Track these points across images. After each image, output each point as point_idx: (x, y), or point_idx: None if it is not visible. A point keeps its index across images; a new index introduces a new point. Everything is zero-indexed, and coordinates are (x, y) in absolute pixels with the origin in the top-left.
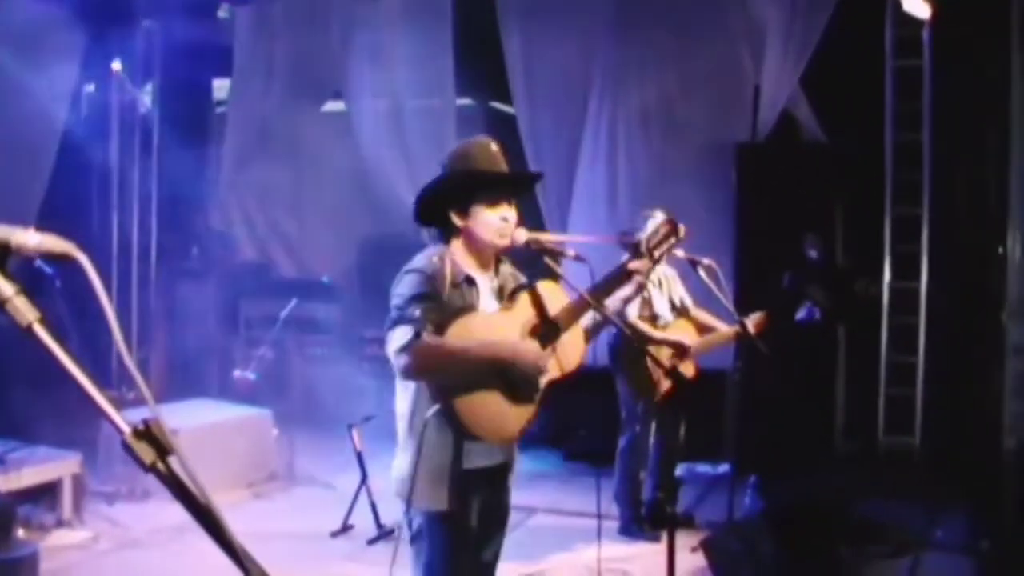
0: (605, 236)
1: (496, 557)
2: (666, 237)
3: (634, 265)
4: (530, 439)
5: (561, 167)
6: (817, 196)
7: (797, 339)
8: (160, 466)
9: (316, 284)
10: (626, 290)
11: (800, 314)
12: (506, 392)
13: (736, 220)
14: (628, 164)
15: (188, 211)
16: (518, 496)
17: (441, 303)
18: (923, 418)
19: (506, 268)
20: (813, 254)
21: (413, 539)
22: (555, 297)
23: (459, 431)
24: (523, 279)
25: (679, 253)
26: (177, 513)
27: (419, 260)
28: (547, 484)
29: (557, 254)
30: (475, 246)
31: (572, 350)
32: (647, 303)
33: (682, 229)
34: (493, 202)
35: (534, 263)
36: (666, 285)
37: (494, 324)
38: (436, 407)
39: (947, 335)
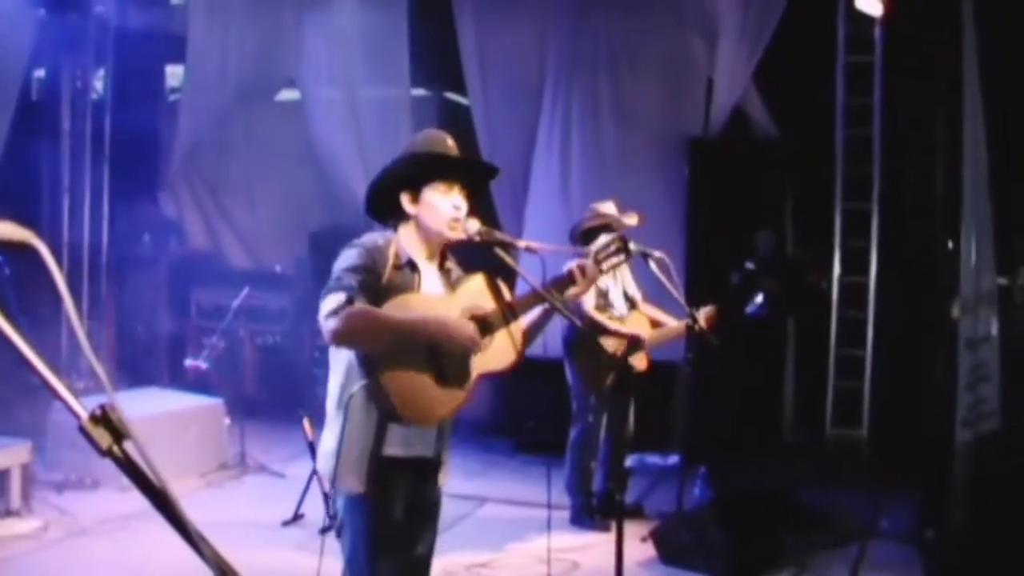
0: (559, 246)
1: (430, 552)
2: (615, 252)
3: (581, 271)
4: (480, 430)
5: (515, 158)
6: (768, 191)
7: (747, 332)
8: (116, 451)
9: (268, 273)
10: (570, 292)
11: (750, 308)
12: (435, 374)
13: (688, 213)
14: (582, 156)
15: (140, 199)
16: (468, 486)
17: (378, 278)
18: (870, 410)
19: (451, 264)
20: (750, 266)
21: (340, 529)
22: (496, 292)
23: (384, 411)
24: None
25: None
26: (127, 501)
27: (363, 238)
28: (498, 474)
29: (508, 246)
30: (423, 234)
31: (509, 345)
32: (603, 294)
33: (633, 248)
34: (445, 188)
35: (484, 257)
36: (620, 278)
37: (434, 304)
38: (363, 382)
39: (895, 329)
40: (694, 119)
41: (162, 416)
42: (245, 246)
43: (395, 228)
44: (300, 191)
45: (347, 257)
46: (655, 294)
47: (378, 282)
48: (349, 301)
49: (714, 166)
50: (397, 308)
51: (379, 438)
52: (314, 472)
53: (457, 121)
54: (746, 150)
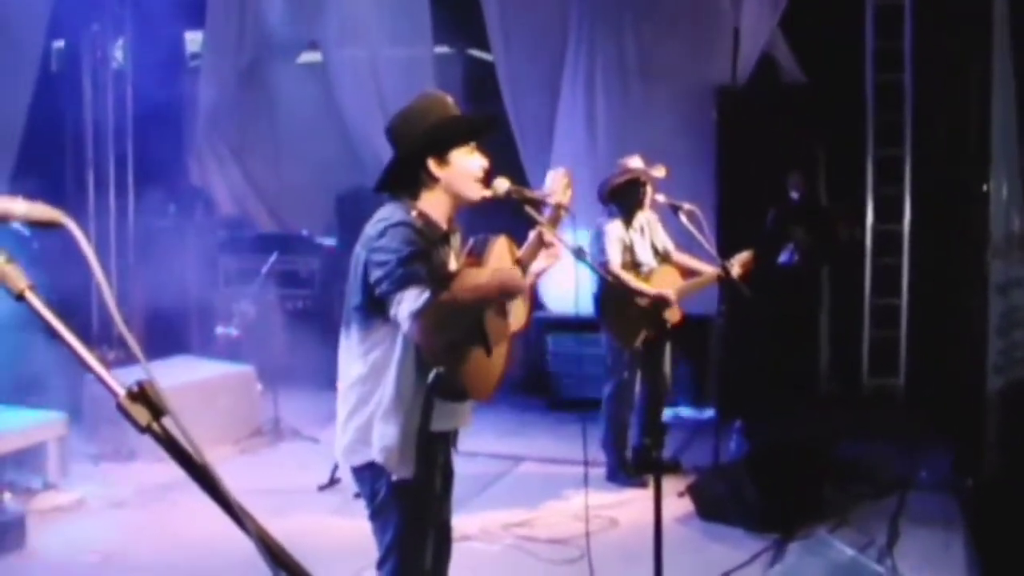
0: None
1: (450, 514)
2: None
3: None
4: (514, 388)
5: (540, 113)
6: (798, 138)
7: (780, 282)
8: (155, 427)
9: (295, 237)
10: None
11: (783, 257)
12: (484, 346)
13: (717, 164)
14: (608, 109)
15: (164, 167)
16: (504, 445)
17: (433, 260)
18: (907, 359)
19: (456, 226)
20: (795, 195)
21: (377, 512)
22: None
23: (453, 396)
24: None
25: (660, 198)
26: (163, 472)
27: (398, 213)
28: (533, 433)
29: (538, 204)
30: (452, 197)
31: (522, 303)
32: (629, 250)
33: (662, 200)
34: (468, 150)
35: (505, 214)
36: (648, 231)
37: (478, 276)
38: (436, 372)
39: (930, 276)
40: (721, 68)
41: (194, 385)
42: (271, 211)
43: (411, 195)
44: (325, 154)
45: (403, 239)
46: (686, 246)
47: (435, 265)
48: (433, 295)
49: (743, 115)
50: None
51: (427, 418)
52: None
53: (481, 78)
54: (775, 98)
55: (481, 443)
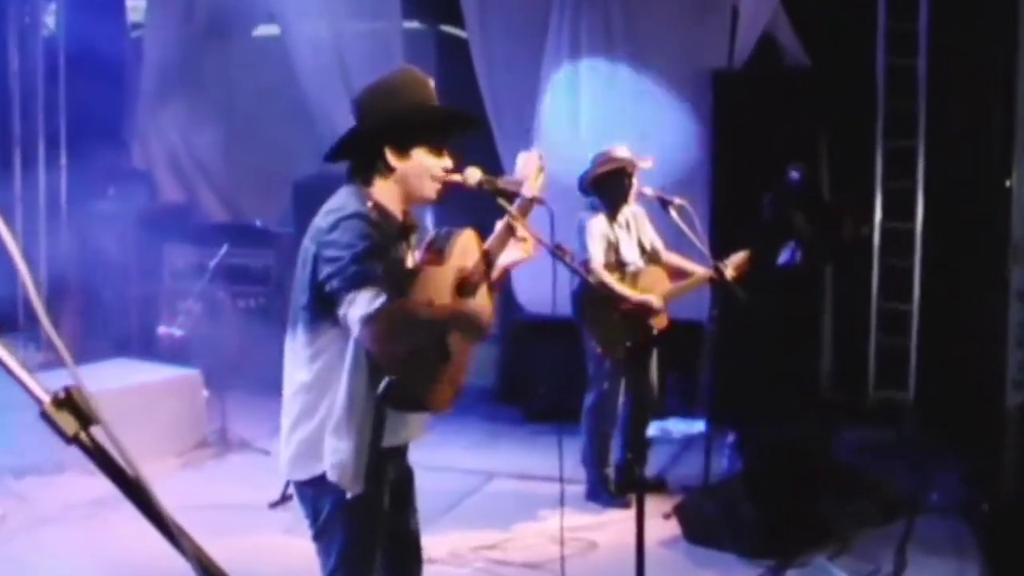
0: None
1: (416, 516)
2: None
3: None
4: (486, 397)
5: (519, 97)
6: (801, 128)
7: (779, 283)
8: (83, 437)
9: (248, 228)
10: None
11: (783, 257)
12: (444, 356)
13: (712, 155)
14: (593, 93)
15: (103, 148)
16: (474, 459)
17: (389, 257)
18: (917, 370)
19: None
20: (795, 174)
21: (321, 532)
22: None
23: (408, 407)
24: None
25: (648, 191)
26: (94, 487)
27: (352, 204)
28: (507, 446)
29: (512, 196)
30: (406, 192)
31: (487, 303)
32: (614, 248)
33: (650, 193)
34: (437, 147)
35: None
36: (635, 227)
37: (443, 282)
38: (388, 380)
39: (944, 279)
40: (718, 49)
41: (133, 390)
42: (222, 198)
43: (364, 180)
44: (282, 137)
45: (357, 233)
46: (676, 244)
47: (392, 262)
48: (388, 299)
49: (741, 101)
50: (421, 293)
51: (378, 432)
52: None
53: (454, 57)
54: (776, 82)
55: (450, 457)
